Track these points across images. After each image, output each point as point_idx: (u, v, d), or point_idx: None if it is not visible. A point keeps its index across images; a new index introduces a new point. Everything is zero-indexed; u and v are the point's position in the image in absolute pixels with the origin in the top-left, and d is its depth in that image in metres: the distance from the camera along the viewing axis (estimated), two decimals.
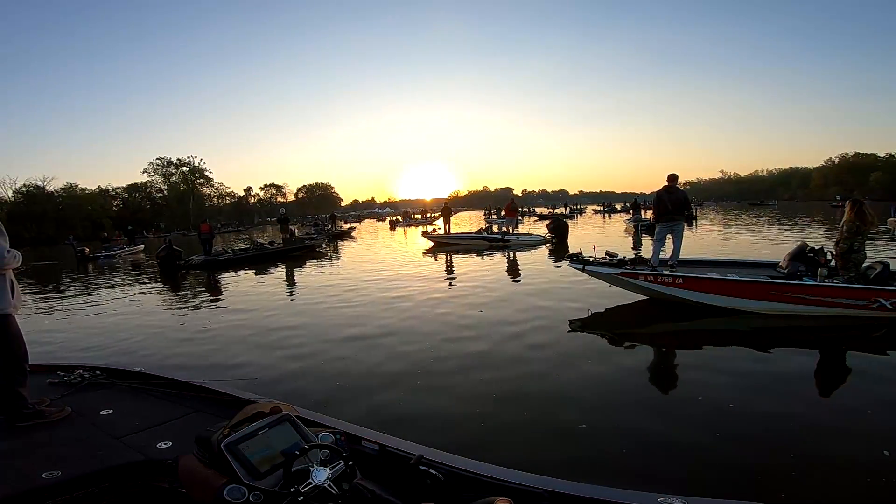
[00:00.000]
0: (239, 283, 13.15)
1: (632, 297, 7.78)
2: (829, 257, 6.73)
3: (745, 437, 3.36)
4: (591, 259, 7.87)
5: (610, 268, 7.60)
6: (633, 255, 8.17)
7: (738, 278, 6.72)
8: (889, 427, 3.42)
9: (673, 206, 7.83)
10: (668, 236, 8.05)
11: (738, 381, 4.39)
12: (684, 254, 8.32)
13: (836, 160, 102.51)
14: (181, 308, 9.65)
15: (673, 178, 7.95)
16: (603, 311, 7.42)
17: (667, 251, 7.94)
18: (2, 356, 2.73)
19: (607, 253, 8.03)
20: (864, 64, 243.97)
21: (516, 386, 4.47)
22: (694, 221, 31.01)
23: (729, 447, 3.23)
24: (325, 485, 1.57)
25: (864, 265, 6.50)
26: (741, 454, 3.14)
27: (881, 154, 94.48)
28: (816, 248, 7.07)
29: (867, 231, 6.47)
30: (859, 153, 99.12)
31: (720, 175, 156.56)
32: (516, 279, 10.85)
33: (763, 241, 17.26)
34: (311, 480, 1.57)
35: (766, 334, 5.97)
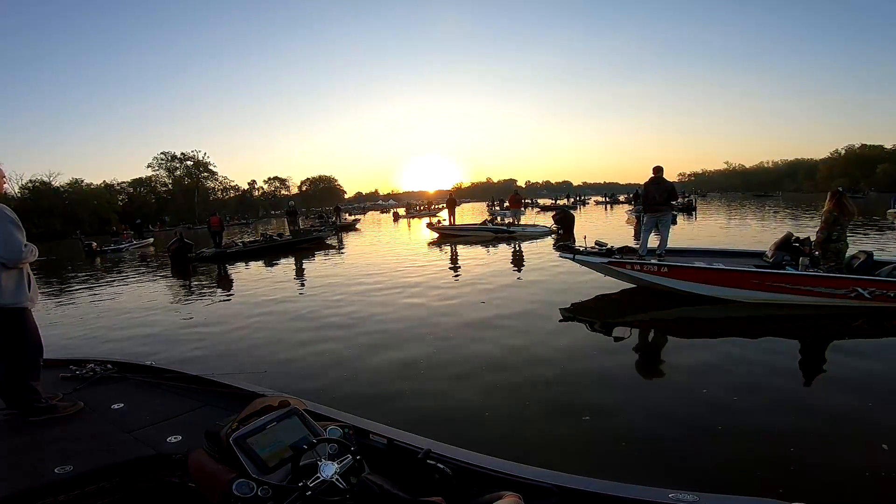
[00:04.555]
0: (250, 275, 13.27)
1: (625, 285, 7.93)
2: (812, 247, 6.80)
3: (746, 431, 3.38)
4: (582, 249, 8.01)
5: (599, 257, 7.73)
6: (623, 245, 8.30)
7: (721, 267, 6.82)
8: (886, 420, 3.43)
9: (661, 196, 8.03)
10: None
11: (735, 373, 4.41)
12: (677, 243, 8.48)
13: (843, 152, 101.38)
14: (193, 301, 9.73)
15: (658, 170, 8.14)
16: (604, 299, 7.61)
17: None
18: (17, 350, 2.75)
19: (597, 242, 8.17)
20: (871, 55, 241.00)
21: (517, 376, 4.51)
22: (694, 212, 31.02)
23: (730, 441, 3.25)
24: (334, 479, 1.58)
25: (848, 255, 6.61)
26: (742, 448, 3.16)
27: (888, 146, 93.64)
28: (802, 237, 7.15)
29: (846, 221, 6.56)
30: (866, 145, 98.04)
31: (725, 166, 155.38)
32: (519, 270, 10.88)
33: (762, 231, 17.21)
34: (319, 475, 1.58)
35: (755, 323, 6.08)
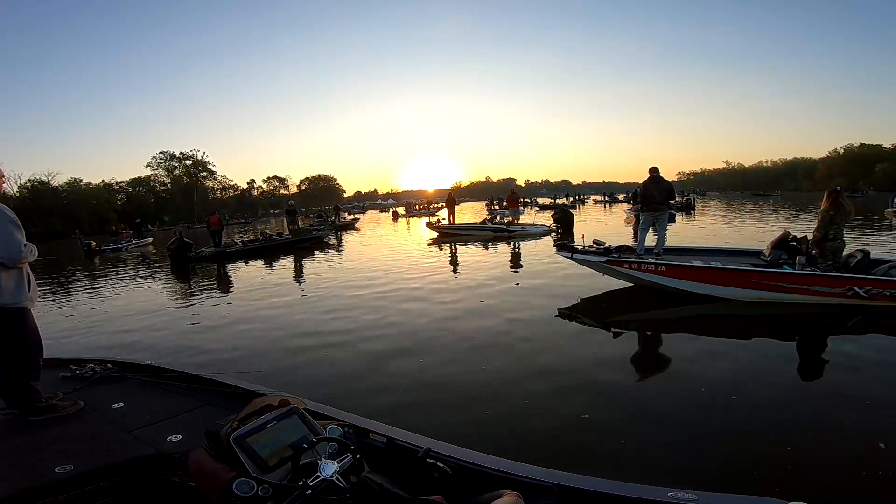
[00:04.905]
0: (250, 274, 13.28)
1: (623, 284, 7.99)
2: (809, 246, 6.84)
3: (744, 430, 3.39)
4: (580, 248, 8.08)
5: (596, 256, 7.79)
6: (620, 244, 8.38)
7: (718, 266, 6.87)
8: (883, 419, 3.44)
9: (660, 196, 8.16)
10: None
11: (733, 372, 4.42)
12: (675, 242, 8.49)
13: (842, 151, 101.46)
14: (192, 300, 9.72)
15: (656, 170, 8.27)
16: (602, 298, 7.67)
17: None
18: (17, 350, 2.75)
19: (594, 241, 8.24)
20: (871, 55, 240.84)
21: (516, 374, 4.53)
22: (692, 212, 31.22)
23: (728, 440, 3.26)
24: (334, 478, 1.59)
25: (845, 254, 6.67)
26: (740, 447, 3.17)
27: (887, 145, 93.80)
28: (799, 236, 7.20)
29: (843, 221, 6.61)
30: (865, 144, 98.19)
31: (724, 166, 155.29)
32: (518, 269, 10.91)
33: (760, 230, 17.25)
34: (319, 474, 1.58)
35: (752, 322, 6.13)
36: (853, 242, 9.99)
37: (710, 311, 6.62)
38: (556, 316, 6.63)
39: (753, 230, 17.97)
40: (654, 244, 8.08)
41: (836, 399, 3.83)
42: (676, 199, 35.34)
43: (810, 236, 6.86)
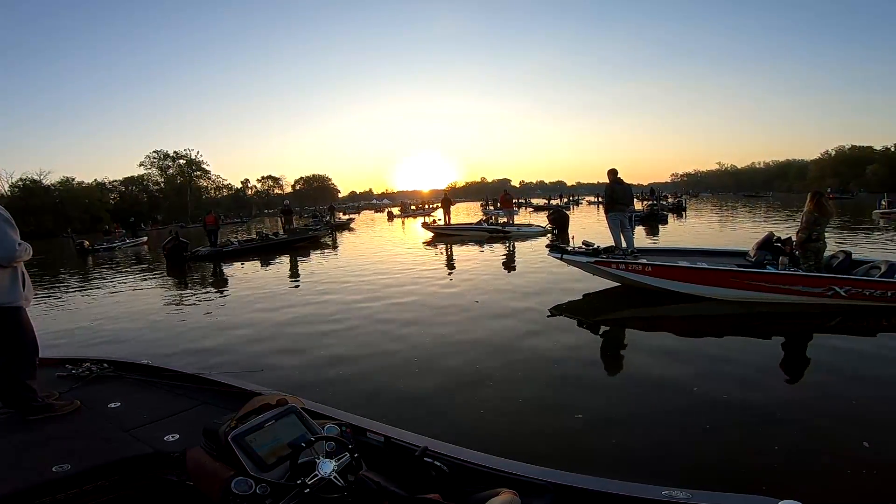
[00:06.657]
0: (246, 274, 13.27)
1: (613, 284, 8.10)
2: (793, 246, 6.95)
3: (732, 428, 3.44)
4: (570, 248, 8.22)
5: (585, 256, 7.92)
6: (609, 245, 8.49)
7: (703, 267, 6.99)
8: (867, 417, 3.50)
9: (622, 197, 8.49)
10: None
11: (723, 371, 4.48)
12: (664, 243, 8.49)
13: (833, 153, 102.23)
14: (189, 300, 9.69)
15: (616, 172, 8.58)
16: (593, 297, 7.83)
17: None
18: (13, 349, 2.75)
19: (584, 242, 8.36)
20: (862, 57, 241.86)
21: (511, 374, 4.58)
22: (683, 213, 31.71)
23: (717, 439, 3.30)
24: (331, 477, 1.60)
25: (828, 254, 6.80)
26: (730, 445, 3.21)
27: (878, 147, 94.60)
28: (784, 237, 7.31)
29: (825, 221, 6.74)
30: (856, 146, 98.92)
31: (717, 167, 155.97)
32: (513, 270, 10.97)
33: (751, 231, 17.37)
34: (317, 472, 1.59)
35: (739, 321, 6.23)
36: (841, 244, 10.13)
37: (697, 312, 6.72)
38: (548, 316, 6.69)
39: (744, 231, 18.08)
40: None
41: (821, 398, 3.89)
42: (670, 200, 36.16)
43: (794, 237, 6.96)
